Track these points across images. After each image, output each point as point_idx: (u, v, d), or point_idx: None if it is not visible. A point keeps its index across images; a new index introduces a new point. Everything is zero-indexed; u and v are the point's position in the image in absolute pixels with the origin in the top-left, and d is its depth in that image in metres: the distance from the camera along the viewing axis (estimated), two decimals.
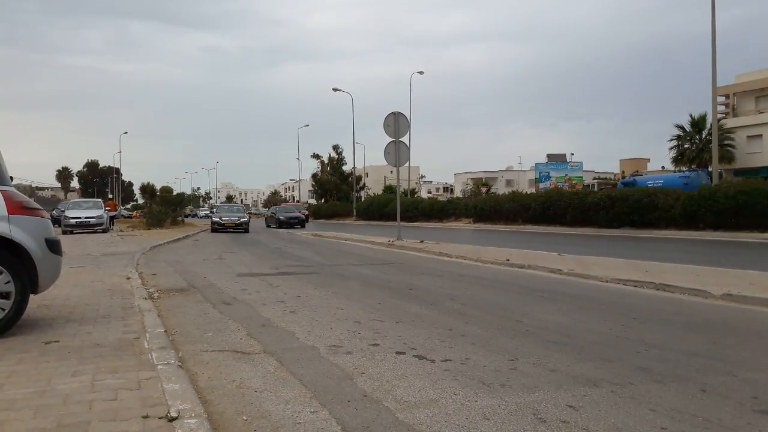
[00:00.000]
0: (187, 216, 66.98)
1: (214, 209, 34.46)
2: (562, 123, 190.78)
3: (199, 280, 8.99)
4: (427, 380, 3.71)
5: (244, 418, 3.09)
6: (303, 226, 33.94)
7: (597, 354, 4.30)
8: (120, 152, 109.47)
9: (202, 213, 74.15)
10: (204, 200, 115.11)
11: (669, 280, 7.60)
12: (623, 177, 48.92)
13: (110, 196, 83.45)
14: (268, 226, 35.77)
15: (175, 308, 6.43)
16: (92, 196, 60.92)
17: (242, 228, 28.09)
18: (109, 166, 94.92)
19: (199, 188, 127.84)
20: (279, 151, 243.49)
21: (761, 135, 39.99)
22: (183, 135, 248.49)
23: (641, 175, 42.53)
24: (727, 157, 38.36)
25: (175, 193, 56.21)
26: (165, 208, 34.01)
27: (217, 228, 28.01)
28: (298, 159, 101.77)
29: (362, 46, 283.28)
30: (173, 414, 2.86)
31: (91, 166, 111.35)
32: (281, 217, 34.73)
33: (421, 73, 54.49)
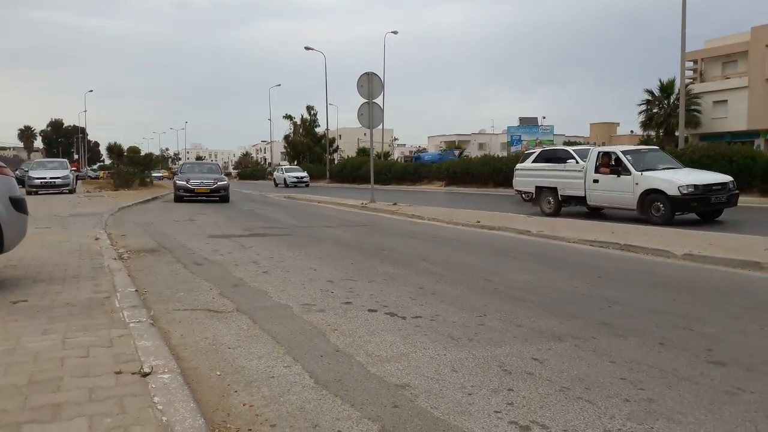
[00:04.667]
0: (160, 178, 65.28)
1: (179, 171, 23.09)
2: (538, 87, 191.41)
3: (169, 241, 8.91)
4: (397, 336, 3.80)
5: (218, 373, 3.14)
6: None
7: (562, 310, 4.45)
8: (85, 111, 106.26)
9: (155, 174, 67.75)
10: (173, 161, 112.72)
11: (634, 241, 7.83)
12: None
13: (75, 156, 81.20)
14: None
15: (145, 268, 6.38)
16: (57, 157, 59.04)
17: (219, 195, 19.86)
18: (74, 126, 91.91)
19: (167, 149, 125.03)
20: (250, 111, 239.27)
21: (726, 100, 40.79)
22: (152, 94, 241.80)
23: (426, 151, 60.68)
24: (693, 121, 39.11)
25: (143, 153, 54.80)
26: (133, 168, 33.15)
27: (184, 196, 19.62)
28: (269, 120, 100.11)
29: (338, 3, 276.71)
30: (146, 369, 2.89)
31: (55, 125, 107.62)
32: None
33: (395, 32, 53.72)
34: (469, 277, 5.86)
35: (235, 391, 2.89)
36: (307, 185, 36.56)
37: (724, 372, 3.10)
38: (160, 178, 55.94)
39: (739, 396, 2.78)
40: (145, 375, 2.84)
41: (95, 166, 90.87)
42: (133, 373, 2.88)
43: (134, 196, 22.77)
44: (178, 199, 19.87)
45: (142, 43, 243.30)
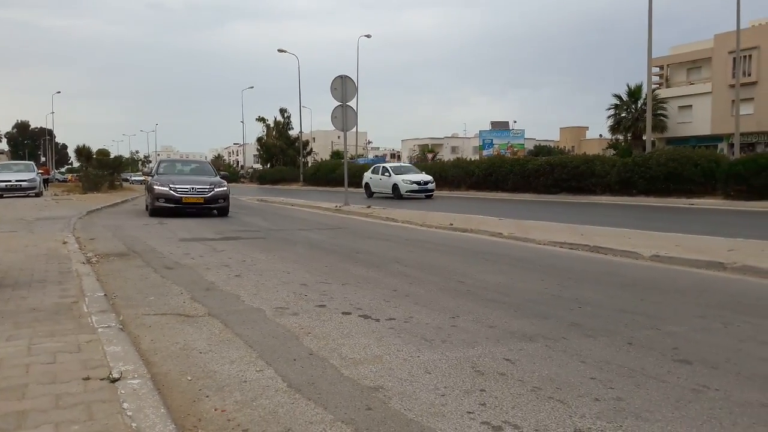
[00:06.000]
0: (128, 180, 63.79)
1: (154, 171, 15.98)
2: (510, 91, 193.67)
3: (139, 244, 8.75)
4: (371, 338, 3.80)
5: (189, 378, 3.10)
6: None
7: (533, 311, 4.51)
8: (53, 113, 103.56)
9: (134, 178, 62.02)
10: (143, 164, 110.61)
11: (603, 243, 7.98)
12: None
13: (43, 159, 79.08)
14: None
15: (114, 273, 6.26)
16: (23, 159, 57.40)
17: (216, 207, 14.11)
18: (41, 128, 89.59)
19: (137, 151, 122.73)
20: (223, 113, 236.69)
21: (691, 105, 41.90)
22: (122, 96, 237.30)
23: (378, 157, 71.31)
24: (660, 126, 40.06)
25: (112, 156, 53.67)
26: (102, 171, 32.41)
27: (165, 207, 13.76)
28: (242, 122, 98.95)
29: (313, 6, 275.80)
30: (115, 375, 2.83)
31: (21, 127, 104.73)
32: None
33: (368, 36, 53.92)
34: (443, 279, 5.89)
35: (207, 396, 2.85)
36: (431, 195, 23.70)
37: (690, 370, 3.18)
38: (142, 182, 54.07)
39: (704, 393, 2.85)
40: (114, 381, 2.78)
41: (63, 169, 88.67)
42: (102, 379, 2.82)
43: (103, 199, 22.31)
44: (156, 212, 13.80)
45: (112, 43, 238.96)
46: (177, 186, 13.80)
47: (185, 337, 3.85)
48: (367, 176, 27.20)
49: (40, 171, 28.40)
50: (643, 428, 2.48)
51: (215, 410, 2.68)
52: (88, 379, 2.83)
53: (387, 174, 25.12)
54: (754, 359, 3.37)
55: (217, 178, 15.00)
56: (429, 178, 24.43)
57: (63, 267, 6.16)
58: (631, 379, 3.04)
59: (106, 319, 3.94)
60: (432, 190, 24.06)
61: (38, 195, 24.39)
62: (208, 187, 14.02)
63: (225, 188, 14.33)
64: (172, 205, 13.74)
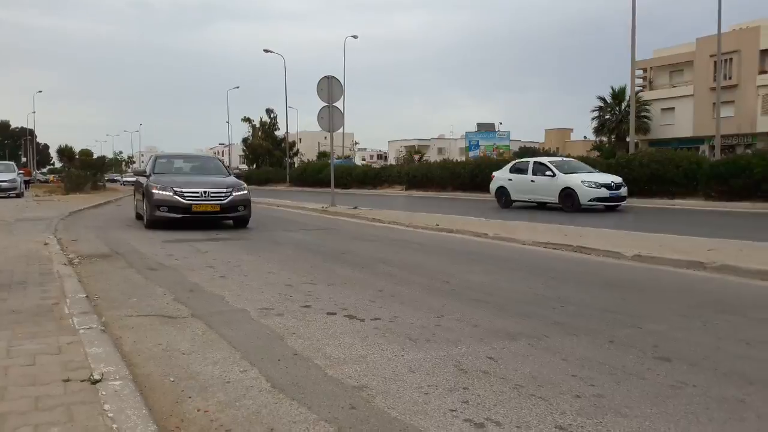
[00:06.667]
0: (116, 181, 62.87)
1: (150, 170, 12.19)
2: (496, 93, 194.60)
3: (122, 246, 8.67)
4: (356, 338, 3.81)
5: (171, 379, 3.08)
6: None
7: (517, 310, 4.55)
8: (34, 113, 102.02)
9: (126, 179, 59.83)
10: (127, 164, 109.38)
11: (586, 243, 8.06)
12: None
13: (24, 159, 77.96)
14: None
15: (97, 274, 6.20)
16: (3, 159, 56.56)
17: (236, 216, 11.14)
18: (22, 127, 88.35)
19: (121, 152, 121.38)
20: (208, 114, 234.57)
21: (674, 108, 42.45)
22: (105, 96, 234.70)
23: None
24: (643, 128, 40.56)
25: (95, 156, 53.06)
26: (85, 172, 32.04)
27: (169, 218, 10.66)
28: (228, 122, 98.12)
29: (300, 7, 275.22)
30: (96, 377, 2.81)
31: (1, 126, 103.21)
32: None
33: (355, 37, 53.63)
34: (428, 279, 5.92)
35: (190, 397, 2.84)
36: (621, 204, 16.03)
37: (669, 367, 3.23)
38: (133, 183, 52.61)
39: (683, 390, 2.90)
40: (95, 382, 2.76)
41: (45, 170, 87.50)
42: (83, 381, 2.80)
43: (86, 200, 22.07)
44: (155, 223, 10.66)
45: (95, 42, 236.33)
46: (184, 190, 10.49)
47: (168, 338, 3.83)
48: (502, 178, 18.25)
49: (20, 171, 28.01)
50: (622, 424, 2.51)
51: (198, 411, 2.68)
52: (68, 380, 2.81)
53: (545, 173, 16.34)
54: (731, 357, 3.43)
55: (233, 179, 11.80)
56: (619, 179, 16.10)
57: (44, 268, 6.09)
58: (611, 377, 3.08)
59: (87, 320, 3.90)
60: (624, 198, 15.96)
61: (19, 196, 24.06)
62: (224, 190, 10.73)
63: (245, 191, 11.07)
64: (179, 216, 10.44)
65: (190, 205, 10.53)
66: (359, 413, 2.65)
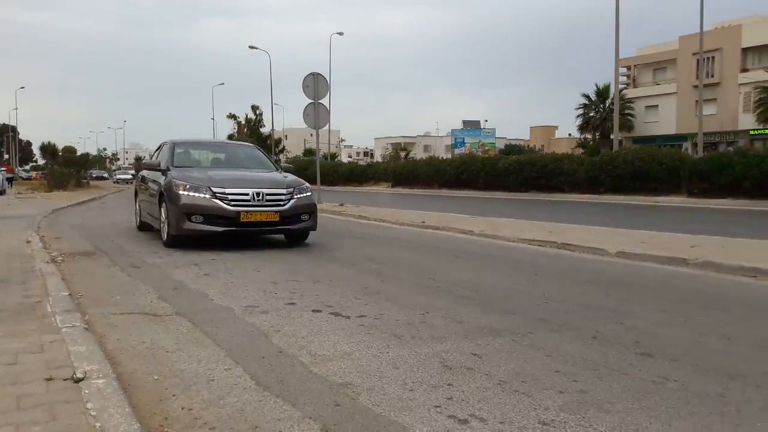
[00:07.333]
0: (105, 179, 61.67)
1: (167, 162, 8.55)
2: (482, 90, 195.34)
3: (106, 243, 8.58)
4: (341, 335, 3.81)
5: (155, 377, 3.06)
6: None
7: (501, 307, 4.58)
8: (17, 109, 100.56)
9: (120, 176, 55.83)
10: (111, 161, 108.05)
11: (570, 240, 8.13)
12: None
13: (6, 156, 76.76)
14: None
15: (80, 272, 6.13)
16: None
17: (299, 227, 8.04)
18: (4, 124, 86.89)
19: (105, 149, 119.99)
20: (193, 111, 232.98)
21: (657, 105, 42.93)
22: (89, 92, 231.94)
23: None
24: (627, 125, 40.97)
25: (79, 153, 52.34)
26: (68, 169, 31.62)
27: (203, 232, 7.48)
28: (213, 119, 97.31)
29: (286, 3, 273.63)
30: (79, 375, 2.79)
31: None
32: None
33: (340, 33, 53.76)
34: (414, 276, 5.93)
35: (174, 395, 2.82)
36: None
37: (651, 362, 3.27)
38: (129, 181, 50.15)
39: (664, 384, 2.94)
40: (78, 381, 2.74)
41: (27, 167, 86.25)
42: (65, 379, 2.77)
43: (70, 197, 21.81)
44: (181, 239, 7.77)
45: (80, 38, 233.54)
46: (227, 191, 7.47)
47: (152, 336, 3.80)
48: None
49: (3, 169, 27.63)
50: (604, 419, 2.54)
51: (182, 409, 2.66)
52: (51, 379, 2.78)
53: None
54: (712, 352, 3.49)
55: (291, 176, 8.62)
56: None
57: (26, 266, 6.01)
58: (594, 372, 3.12)
59: (70, 318, 3.86)
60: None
61: (1, 193, 23.73)
62: (283, 192, 7.76)
63: (309, 193, 8.15)
64: (220, 230, 7.40)
65: (238, 212, 7.37)
66: (344, 410, 2.65)
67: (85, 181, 34.64)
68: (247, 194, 7.55)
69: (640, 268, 6.45)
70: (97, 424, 2.30)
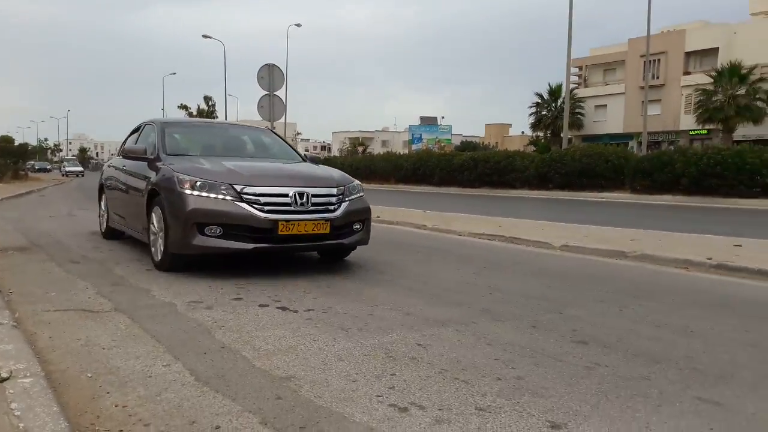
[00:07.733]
0: (48, 170, 58.80)
1: (158, 149, 6.24)
2: (440, 87, 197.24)
3: (44, 238, 8.23)
4: (287, 329, 3.78)
5: (89, 375, 2.96)
6: None
7: (448, 298, 4.65)
8: None
9: (70, 168, 54.06)
10: (53, 152, 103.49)
11: (518, 234, 8.32)
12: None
13: None
14: None
15: (12, 267, 5.86)
16: None
17: (349, 242, 5.76)
18: None
19: (46, 139, 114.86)
20: (142, 101, 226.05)
21: (606, 105, 44.31)
22: (30, 79, 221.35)
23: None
24: (577, 124, 42.15)
25: (17, 143, 49.89)
26: (5, 160, 30.10)
27: (223, 249, 5.21)
28: (163, 110, 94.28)
29: None
30: (4, 374, 2.67)
31: None
32: None
33: (298, 25, 53.08)
34: (364, 270, 5.94)
35: (108, 393, 2.74)
36: None
37: (585, 350, 3.39)
38: (77, 174, 47.37)
39: (596, 370, 3.05)
40: (3, 380, 2.62)
41: None
42: None
43: (5, 189, 20.80)
44: (185, 259, 5.56)
45: (21, 22, 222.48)
46: (258, 190, 5.30)
47: (88, 333, 3.67)
48: None
49: None
50: (538, 403, 2.62)
51: (116, 406, 2.59)
52: None
53: None
54: (642, 338, 3.64)
55: (335, 171, 6.43)
56: None
57: None
58: (531, 359, 3.21)
59: None
60: None
61: None
62: (335, 191, 5.71)
63: (362, 193, 6.09)
64: (250, 246, 5.25)
65: (275, 223, 5.20)
66: (285, 403, 2.64)
67: (23, 173, 33.12)
68: (287, 195, 5.34)
69: (583, 260, 6.66)
70: (21, 425, 2.21)
